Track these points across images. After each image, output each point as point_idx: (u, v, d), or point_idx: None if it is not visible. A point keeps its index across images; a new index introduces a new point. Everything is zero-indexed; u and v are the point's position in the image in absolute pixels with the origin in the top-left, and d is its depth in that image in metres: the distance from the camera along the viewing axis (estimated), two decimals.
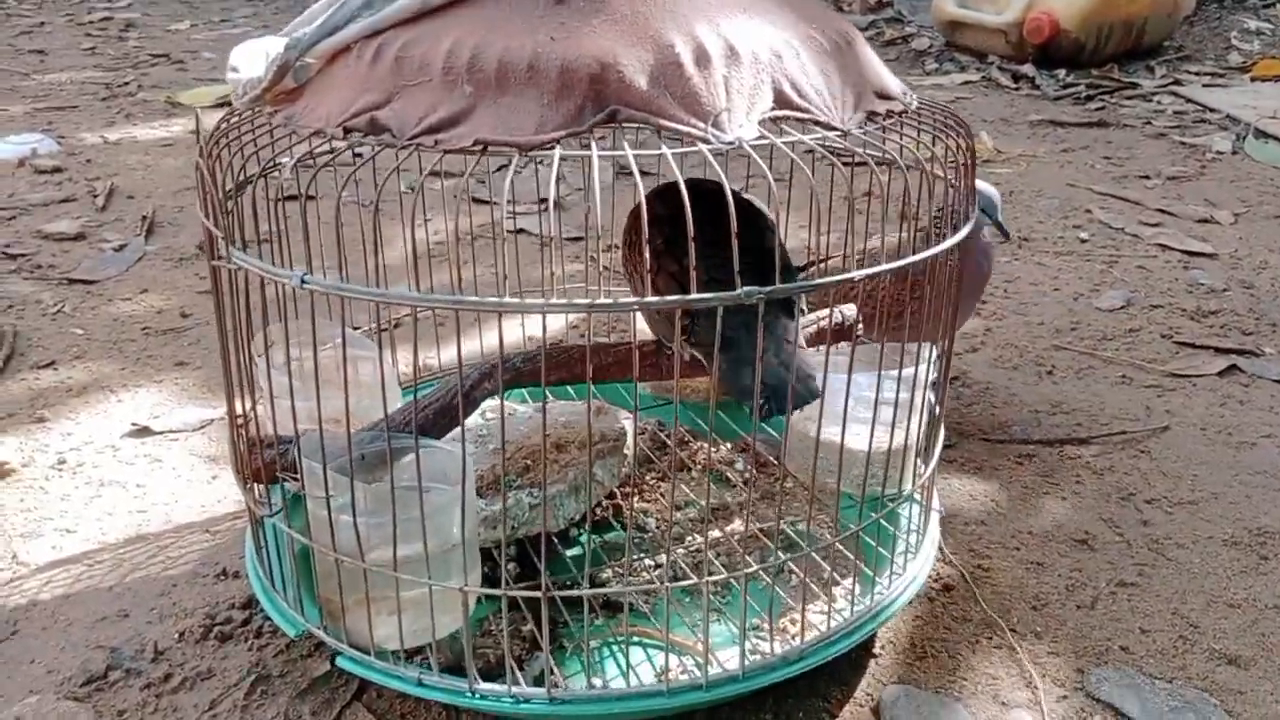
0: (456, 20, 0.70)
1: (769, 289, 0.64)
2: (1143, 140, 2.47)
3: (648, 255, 0.64)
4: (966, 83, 3.08)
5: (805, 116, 0.70)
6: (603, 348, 0.94)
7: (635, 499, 1.02)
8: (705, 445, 1.09)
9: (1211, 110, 2.72)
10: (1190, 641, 0.86)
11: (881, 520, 0.85)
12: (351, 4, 0.72)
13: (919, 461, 0.89)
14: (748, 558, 0.89)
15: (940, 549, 0.96)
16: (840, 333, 1.08)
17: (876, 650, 0.85)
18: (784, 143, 0.66)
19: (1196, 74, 3.16)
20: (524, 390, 1.11)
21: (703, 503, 0.98)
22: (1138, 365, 1.34)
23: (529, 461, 0.92)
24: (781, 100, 0.69)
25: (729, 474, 1.05)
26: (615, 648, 0.80)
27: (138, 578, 0.95)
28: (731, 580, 0.86)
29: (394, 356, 0.93)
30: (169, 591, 0.92)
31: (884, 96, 0.78)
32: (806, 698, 0.79)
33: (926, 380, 0.85)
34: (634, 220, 0.94)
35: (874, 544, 0.87)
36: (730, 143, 0.66)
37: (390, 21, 0.71)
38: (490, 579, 0.80)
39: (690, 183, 0.64)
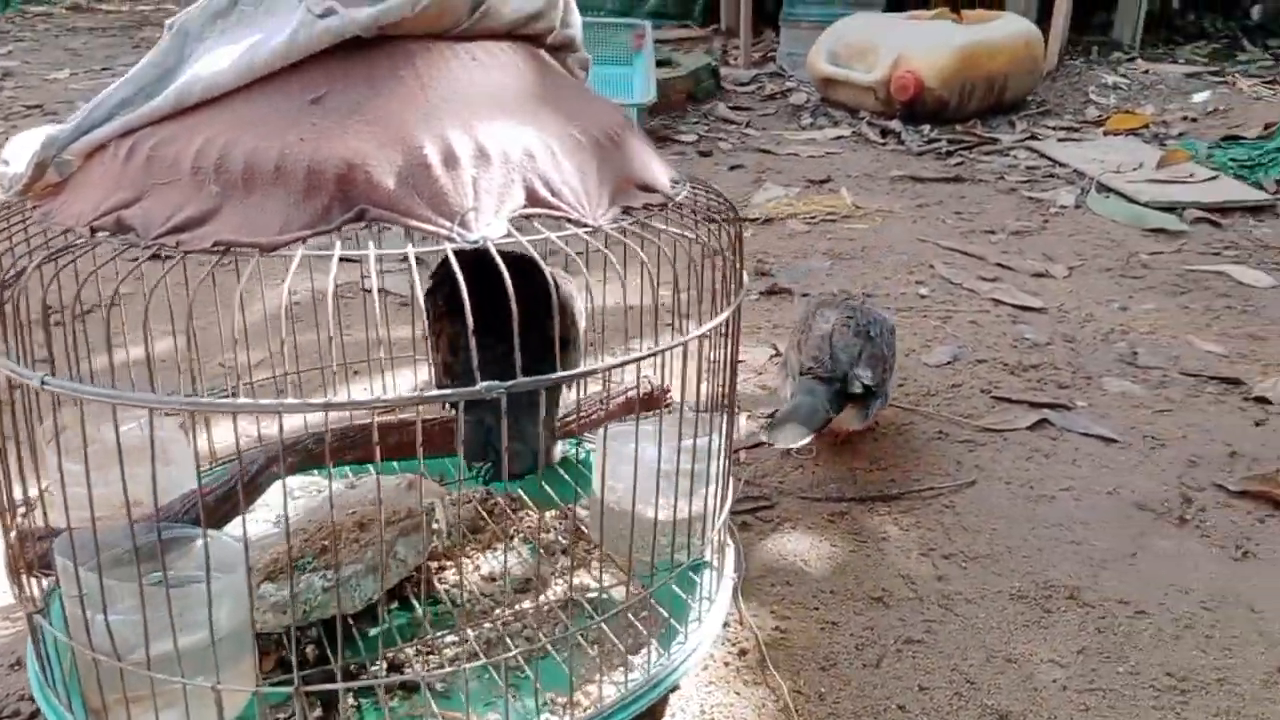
0: (211, 119, 0.71)
1: (509, 384, 0.66)
2: (994, 195, 2.60)
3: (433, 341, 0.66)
4: (838, 137, 3.20)
5: (557, 214, 0.73)
6: (403, 425, 0.96)
7: (447, 573, 1.02)
8: (524, 514, 1.11)
9: (1061, 165, 2.88)
10: (965, 698, 0.91)
11: (673, 586, 0.87)
12: (109, 101, 0.73)
13: (709, 526, 0.92)
14: (538, 632, 0.91)
15: (740, 613, 0.99)
16: (648, 402, 1.12)
17: (668, 718, 0.87)
18: (529, 240, 0.70)
19: (1053, 129, 3.33)
20: (346, 468, 1.11)
21: (514, 574, 1.00)
22: (955, 420, 1.41)
23: (327, 542, 0.92)
24: (533, 198, 0.72)
25: (543, 544, 1.07)
26: None
27: None
28: (530, 654, 0.88)
29: (209, 435, 0.94)
30: None
31: (648, 189, 0.82)
32: None
33: (707, 448, 0.88)
34: (430, 297, 0.97)
35: (665, 613, 0.90)
36: (475, 241, 0.68)
37: (146, 119, 0.72)
38: (286, 664, 0.80)
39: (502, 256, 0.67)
